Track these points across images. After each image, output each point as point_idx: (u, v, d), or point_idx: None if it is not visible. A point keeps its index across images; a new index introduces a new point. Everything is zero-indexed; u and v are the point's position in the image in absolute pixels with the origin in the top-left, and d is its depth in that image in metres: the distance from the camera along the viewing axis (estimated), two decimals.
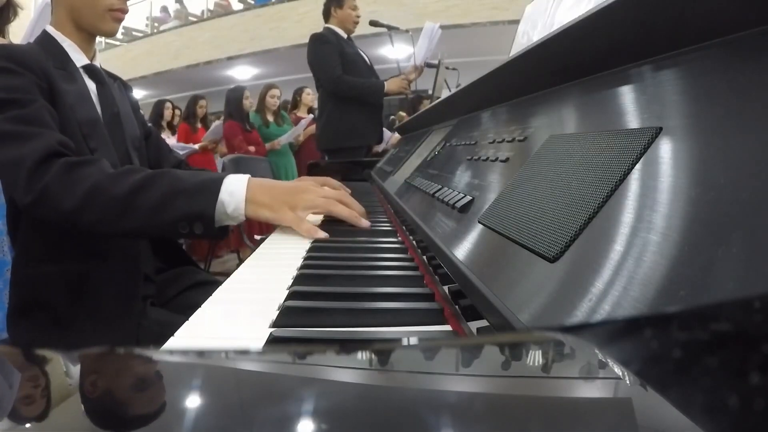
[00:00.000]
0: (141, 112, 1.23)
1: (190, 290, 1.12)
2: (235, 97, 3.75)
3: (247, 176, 0.80)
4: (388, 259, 0.63)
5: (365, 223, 0.81)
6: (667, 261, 0.23)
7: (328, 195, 0.82)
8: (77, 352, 0.20)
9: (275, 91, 3.91)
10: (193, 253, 3.06)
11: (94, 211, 0.77)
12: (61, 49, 0.97)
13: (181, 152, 3.74)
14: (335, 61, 2.41)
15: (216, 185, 0.77)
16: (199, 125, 4.27)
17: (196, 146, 3.86)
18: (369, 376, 0.19)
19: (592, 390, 0.17)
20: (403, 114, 4.13)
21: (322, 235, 0.76)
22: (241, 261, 1.50)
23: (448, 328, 0.42)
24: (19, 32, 1.64)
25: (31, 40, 1.01)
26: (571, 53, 0.47)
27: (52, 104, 0.88)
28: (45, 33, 0.98)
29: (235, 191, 0.77)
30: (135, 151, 1.07)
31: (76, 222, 0.79)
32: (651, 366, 0.15)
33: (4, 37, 1.50)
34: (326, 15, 2.59)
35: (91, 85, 1.00)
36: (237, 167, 2.85)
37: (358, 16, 2.59)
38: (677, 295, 0.21)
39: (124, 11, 1.00)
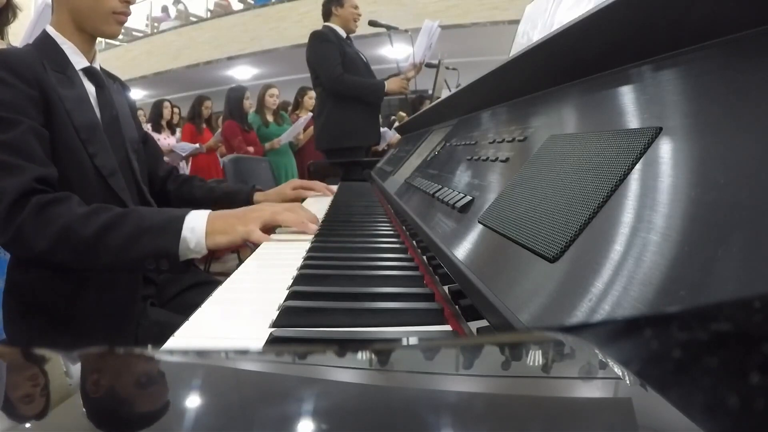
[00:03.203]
0: (140, 112, 1.24)
1: (190, 290, 1.12)
2: (235, 96, 3.75)
3: (207, 212, 0.83)
4: (388, 259, 0.63)
5: (312, 227, 0.84)
6: (667, 261, 0.23)
7: (276, 208, 0.86)
8: (76, 351, 0.20)
9: (274, 90, 3.91)
10: None
11: (65, 252, 0.80)
12: (60, 52, 0.96)
13: (183, 153, 3.76)
14: (336, 60, 2.41)
15: (178, 223, 0.80)
16: (204, 126, 4.27)
17: (197, 145, 3.86)
18: (369, 376, 0.19)
19: (592, 390, 0.17)
20: (403, 114, 4.13)
21: (271, 240, 0.80)
22: (241, 261, 1.50)
23: (448, 328, 0.42)
24: (19, 33, 1.64)
25: (30, 42, 1.01)
26: (571, 53, 0.47)
27: (47, 111, 0.87)
28: (44, 34, 0.97)
29: (195, 227, 0.80)
30: (134, 154, 1.06)
31: (49, 261, 0.81)
32: (651, 366, 0.15)
33: (3, 38, 1.50)
34: (326, 14, 2.58)
35: (91, 88, 0.99)
36: (237, 167, 2.85)
37: (359, 15, 2.58)
38: (677, 295, 0.21)
39: (127, 14, 1.00)
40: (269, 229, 0.84)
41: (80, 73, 0.98)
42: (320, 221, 0.89)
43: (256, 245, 0.79)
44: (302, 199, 1.40)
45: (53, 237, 0.79)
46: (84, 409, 0.17)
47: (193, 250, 0.81)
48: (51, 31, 0.97)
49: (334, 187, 1.54)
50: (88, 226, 0.79)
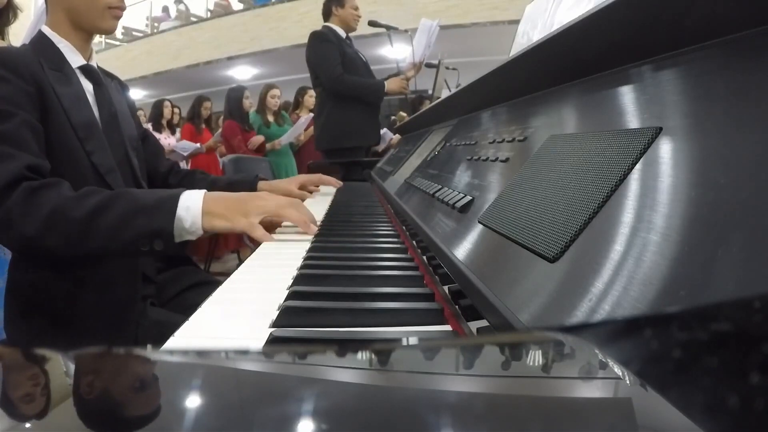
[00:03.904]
0: (140, 112, 1.24)
1: (190, 290, 1.12)
2: (235, 96, 3.75)
3: (203, 191, 0.81)
4: (388, 259, 0.63)
5: (312, 228, 0.83)
6: (667, 261, 0.23)
7: (280, 202, 0.84)
8: (75, 351, 0.20)
9: (275, 91, 3.91)
10: (193, 253, 3.06)
11: (55, 235, 0.78)
12: (56, 51, 0.96)
13: (184, 152, 3.76)
14: (336, 60, 2.41)
15: (173, 201, 0.79)
16: (204, 126, 4.28)
17: (198, 145, 3.86)
18: (369, 376, 0.19)
19: (592, 390, 0.17)
20: (403, 114, 4.13)
21: (271, 240, 0.79)
22: (241, 261, 1.50)
23: (448, 328, 0.42)
24: (19, 33, 1.64)
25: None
26: (571, 53, 0.47)
27: (44, 109, 0.87)
28: (40, 34, 0.97)
29: (191, 206, 0.79)
30: (133, 152, 1.06)
31: (40, 246, 0.79)
32: (651, 366, 0.15)
33: (3, 38, 1.50)
34: (326, 14, 2.58)
35: (88, 86, 0.99)
36: (237, 167, 2.85)
37: (359, 16, 2.58)
38: (677, 295, 0.21)
39: (123, 8, 1.00)
40: (270, 225, 0.83)
41: (77, 72, 0.98)
42: (318, 223, 0.89)
43: (256, 246, 0.79)
44: (302, 200, 1.40)
45: (42, 221, 0.77)
46: (80, 411, 0.17)
47: (188, 230, 0.79)
48: (47, 30, 0.97)
49: (340, 182, 1.53)
50: (79, 208, 0.78)
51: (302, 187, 1.30)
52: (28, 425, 0.17)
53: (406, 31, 2.67)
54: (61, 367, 0.21)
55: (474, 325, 0.41)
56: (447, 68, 2.48)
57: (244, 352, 0.25)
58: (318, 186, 1.36)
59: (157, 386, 0.19)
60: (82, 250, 0.80)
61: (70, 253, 0.82)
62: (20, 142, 0.82)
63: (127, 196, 0.81)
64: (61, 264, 0.88)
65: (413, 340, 0.39)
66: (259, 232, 0.79)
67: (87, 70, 1.00)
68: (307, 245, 0.71)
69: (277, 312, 0.44)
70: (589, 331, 0.21)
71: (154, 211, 0.79)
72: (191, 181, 1.24)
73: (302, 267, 0.59)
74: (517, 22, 1.02)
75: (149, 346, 0.24)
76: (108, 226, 0.78)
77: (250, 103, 3.90)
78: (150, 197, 0.81)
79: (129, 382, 0.19)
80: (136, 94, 8.78)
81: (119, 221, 0.78)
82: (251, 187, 1.21)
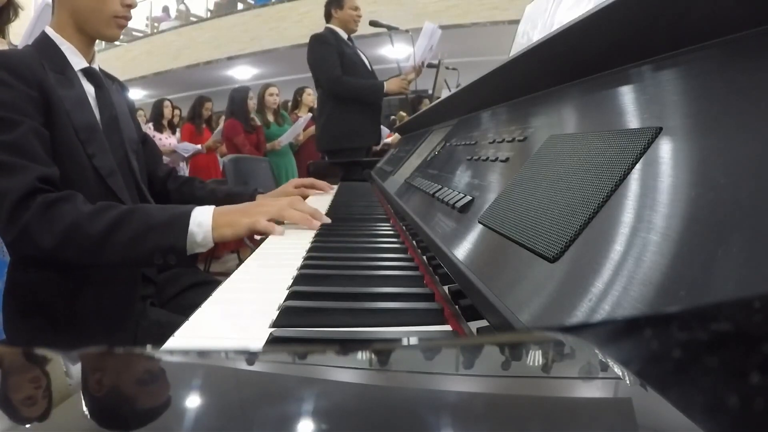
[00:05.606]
0: (141, 112, 1.24)
1: (190, 290, 1.12)
2: (240, 97, 3.75)
3: (212, 207, 0.85)
4: (388, 259, 0.63)
5: (316, 223, 0.85)
6: (667, 261, 0.23)
7: (281, 203, 0.87)
8: (76, 351, 0.20)
9: (273, 89, 3.91)
10: None
11: (71, 250, 0.81)
12: (59, 53, 0.96)
13: (185, 153, 3.75)
14: (335, 62, 2.42)
15: (185, 219, 0.82)
16: (204, 126, 4.28)
17: (199, 146, 3.86)
18: (369, 376, 0.19)
19: (592, 390, 0.17)
20: (403, 114, 4.13)
21: (279, 231, 0.82)
22: (241, 261, 1.50)
23: (448, 328, 0.42)
24: (20, 32, 1.64)
25: (30, 41, 1.01)
26: (571, 53, 0.47)
27: (47, 112, 0.88)
28: (44, 35, 0.98)
29: (202, 222, 0.83)
30: (133, 154, 1.07)
31: (57, 258, 0.82)
32: (651, 366, 0.15)
33: (4, 37, 1.50)
34: (327, 16, 2.60)
35: (90, 89, 0.99)
36: (237, 167, 2.84)
37: (359, 16, 2.59)
38: (677, 295, 0.21)
39: (128, 18, 1.01)
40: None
41: (79, 74, 0.98)
42: (324, 214, 0.90)
43: (256, 246, 0.79)
44: (304, 198, 1.41)
45: (60, 235, 0.79)
46: (85, 409, 0.17)
47: (200, 243, 0.82)
48: (50, 32, 0.97)
49: (335, 186, 1.55)
50: (95, 224, 0.80)
51: (299, 188, 1.33)
52: (29, 426, 0.17)
53: (407, 31, 2.67)
54: (61, 368, 0.21)
55: (474, 325, 0.41)
56: (447, 68, 2.49)
57: (244, 352, 0.25)
58: (314, 188, 1.37)
59: (159, 386, 0.19)
60: (98, 262, 0.84)
61: (87, 265, 0.86)
62: (29, 152, 0.83)
63: (140, 213, 0.83)
64: (61, 265, 0.88)
65: (413, 340, 0.39)
66: (261, 224, 0.82)
67: (89, 73, 1.00)
68: (308, 245, 0.71)
69: (277, 312, 0.44)
70: (589, 331, 0.21)
71: (168, 228, 0.82)
72: (191, 188, 1.25)
73: (302, 267, 0.59)
74: (517, 22, 1.02)
75: (149, 347, 0.24)
76: (123, 243, 0.81)
77: (253, 104, 3.91)
78: (163, 214, 0.84)
79: (137, 377, 0.19)
80: (136, 94, 8.77)
81: (134, 238, 0.81)
82: (250, 199, 1.23)
